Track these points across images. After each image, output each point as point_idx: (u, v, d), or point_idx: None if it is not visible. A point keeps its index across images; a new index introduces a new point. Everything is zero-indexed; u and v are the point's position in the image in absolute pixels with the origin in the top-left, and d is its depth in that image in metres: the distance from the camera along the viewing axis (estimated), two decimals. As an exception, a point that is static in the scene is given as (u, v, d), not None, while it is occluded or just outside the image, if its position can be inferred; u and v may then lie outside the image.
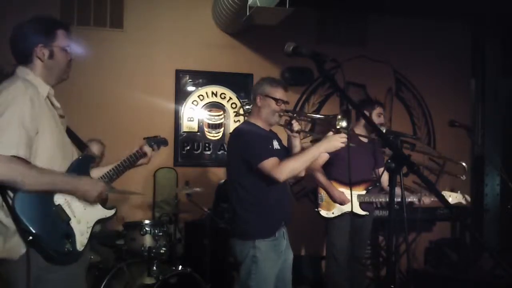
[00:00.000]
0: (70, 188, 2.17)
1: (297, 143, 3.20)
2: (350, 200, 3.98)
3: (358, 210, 4.12)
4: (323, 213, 4.13)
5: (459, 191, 4.00)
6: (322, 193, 4.12)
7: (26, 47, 2.19)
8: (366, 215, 4.16)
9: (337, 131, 2.97)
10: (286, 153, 3.21)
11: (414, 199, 4.03)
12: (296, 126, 3.14)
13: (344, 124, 2.86)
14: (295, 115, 3.20)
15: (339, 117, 2.88)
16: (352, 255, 4.10)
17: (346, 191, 4.05)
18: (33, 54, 2.19)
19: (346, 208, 4.05)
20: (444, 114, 5.84)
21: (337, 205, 4.05)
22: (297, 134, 3.18)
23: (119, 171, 2.46)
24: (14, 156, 1.99)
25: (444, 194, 3.96)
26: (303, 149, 3.17)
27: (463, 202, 4.01)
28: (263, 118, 3.14)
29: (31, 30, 2.20)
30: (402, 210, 1.94)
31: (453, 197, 3.95)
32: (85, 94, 5.04)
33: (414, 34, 6.13)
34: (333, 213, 4.09)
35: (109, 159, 4.25)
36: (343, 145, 2.97)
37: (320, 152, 3.05)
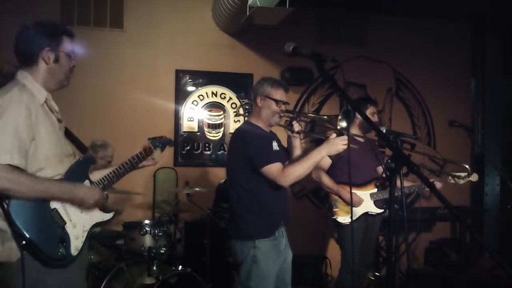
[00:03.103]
0: (66, 197, 2.17)
1: (297, 144, 3.20)
2: (351, 201, 3.92)
3: (373, 208, 4.06)
4: (340, 219, 3.99)
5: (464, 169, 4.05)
6: (334, 198, 4.03)
7: (32, 50, 2.20)
8: (380, 212, 4.10)
9: (338, 132, 2.98)
10: (285, 154, 3.21)
11: (418, 188, 4.07)
12: (296, 126, 3.14)
13: (344, 124, 2.87)
14: (295, 115, 3.21)
15: (340, 117, 2.89)
16: (359, 260, 4.03)
17: (356, 192, 4.00)
18: (38, 57, 2.20)
19: (361, 210, 4.01)
20: (444, 114, 5.85)
21: (353, 208, 3.96)
22: (297, 135, 3.18)
23: (120, 174, 2.43)
24: (9, 165, 2.00)
25: (455, 175, 4.03)
26: (305, 150, 3.16)
27: (472, 179, 4.06)
28: (263, 118, 3.14)
29: (38, 33, 2.21)
30: (402, 210, 1.95)
31: (463, 176, 4.00)
32: (85, 94, 5.03)
33: (414, 34, 6.13)
34: (350, 218, 3.96)
35: (109, 159, 4.27)
36: (345, 147, 2.97)
37: (323, 156, 3.04)
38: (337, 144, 2.98)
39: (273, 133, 3.26)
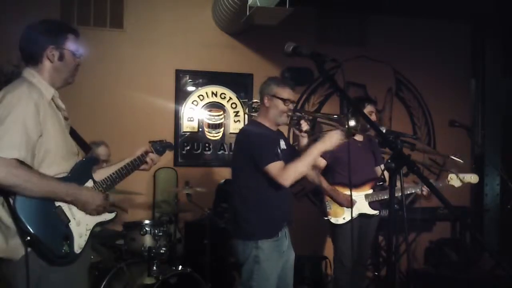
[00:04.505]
0: (70, 199, 2.17)
1: (306, 143, 3.20)
2: (350, 203, 3.91)
3: (367, 210, 4.07)
4: (333, 220, 4.04)
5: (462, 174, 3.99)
6: (328, 200, 4.06)
7: (37, 48, 2.21)
8: (376, 214, 4.11)
9: (348, 131, 2.97)
10: (292, 152, 3.20)
11: (416, 190, 4.02)
12: (305, 126, 3.14)
13: (352, 123, 2.88)
14: (303, 114, 3.20)
15: (349, 116, 2.90)
16: (356, 260, 4.05)
17: (352, 192, 3.97)
18: (43, 55, 2.21)
19: (355, 211, 4.01)
20: (444, 114, 5.85)
21: (346, 210, 3.99)
22: (305, 134, 3.17)
23: (122, 175, 2.44)
24: (17, 160, 2.00)
25: (453, 177, 3.96)
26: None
27: (472, 181, 4.01)
28: (270, 118, 3.13)
29: (43, 32, 2.22)
30: (402, 210, 1.95)
31: (460, 178, 3.94)
32: (85, 94, 5.03)
33: (414, 34, 6.13)
34: (343, 218, 4.02)
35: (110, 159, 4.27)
36: (341, 141, 2.97)
37: (320, 151, 3.04)
38: (332, 137, 2.98)
39: (280, 132, 3.25)
